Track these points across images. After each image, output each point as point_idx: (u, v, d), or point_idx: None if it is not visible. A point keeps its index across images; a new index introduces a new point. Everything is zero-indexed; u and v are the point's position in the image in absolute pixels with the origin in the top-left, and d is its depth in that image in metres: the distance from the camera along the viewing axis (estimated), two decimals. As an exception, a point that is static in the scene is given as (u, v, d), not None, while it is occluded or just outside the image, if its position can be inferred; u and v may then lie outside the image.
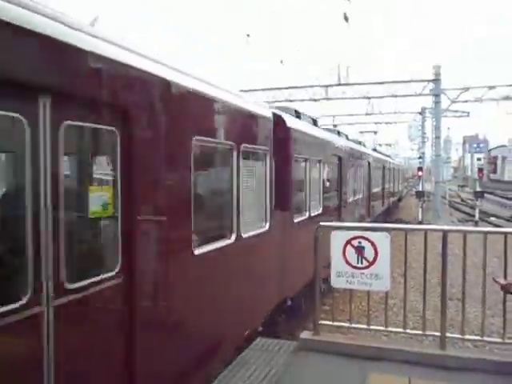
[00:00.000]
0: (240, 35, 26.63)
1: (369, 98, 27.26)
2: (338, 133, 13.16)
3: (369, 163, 14.80)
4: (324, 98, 26.36)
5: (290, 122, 7.34)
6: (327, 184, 9.87)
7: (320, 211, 9.02)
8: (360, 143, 16.51)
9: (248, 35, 17.28)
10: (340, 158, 11.17)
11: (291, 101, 24.98)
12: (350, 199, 12.63)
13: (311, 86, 26.40)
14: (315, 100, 26.43)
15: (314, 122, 10.15)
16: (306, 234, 5.88)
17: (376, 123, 36.87)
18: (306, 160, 8.16)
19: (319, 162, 9.19)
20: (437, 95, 25.75)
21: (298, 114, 8.79)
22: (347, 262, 4.81)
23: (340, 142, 11.90)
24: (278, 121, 6.70)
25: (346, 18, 14.44)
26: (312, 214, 8.38)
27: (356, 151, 13.69)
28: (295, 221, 7.45)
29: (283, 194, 6.73)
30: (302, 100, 26.22)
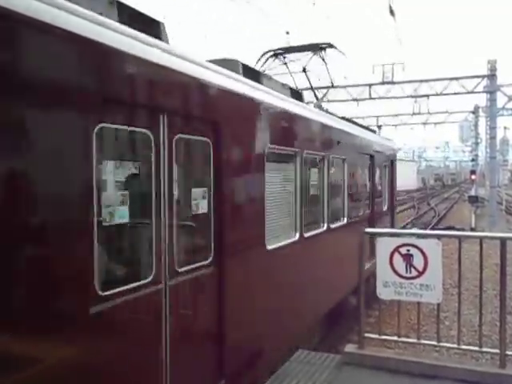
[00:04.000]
0: (280, 32, 26.61)
1: (415, 96, 26.60)
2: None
3: None
4: (367, 98, 25.97)
5: None
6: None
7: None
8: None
9: (287, 32, 17.30)
10: None
11: (330, 101, 24.79)
12: None
13: (353, 86, 26.11)
14: (357, 100, 26.10)
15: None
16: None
17: (424, 123, 35.89)
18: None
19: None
20: (492, 92, 24.87)
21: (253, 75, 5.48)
22: (395, 271, 4.74)
23: None
24: None
25: (392, 12, 14.19)
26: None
27: None
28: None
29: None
30: (346, 100, 25.97)
